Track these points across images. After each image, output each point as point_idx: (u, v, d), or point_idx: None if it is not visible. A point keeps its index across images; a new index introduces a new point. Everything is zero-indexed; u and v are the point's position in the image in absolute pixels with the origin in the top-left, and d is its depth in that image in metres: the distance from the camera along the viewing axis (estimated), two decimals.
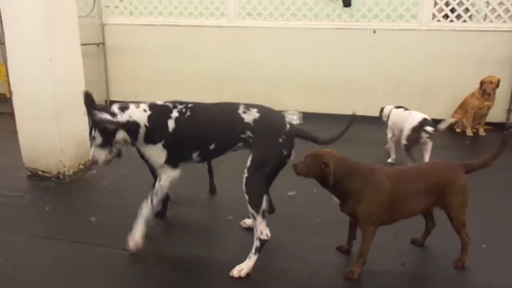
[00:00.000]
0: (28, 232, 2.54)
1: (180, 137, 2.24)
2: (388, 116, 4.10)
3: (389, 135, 4.04)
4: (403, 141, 3.59)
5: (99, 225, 2.66)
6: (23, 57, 3.19)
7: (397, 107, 4.08)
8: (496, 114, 5.19)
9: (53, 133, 3.30)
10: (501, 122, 5.30)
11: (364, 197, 2.08)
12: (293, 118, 5.51)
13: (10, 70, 3.30)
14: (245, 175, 2.10)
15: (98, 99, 6.23)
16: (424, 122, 3.48)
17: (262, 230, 2.11)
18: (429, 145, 3.51)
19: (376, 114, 5.57)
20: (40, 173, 3.38)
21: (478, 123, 5.10)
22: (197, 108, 2.30)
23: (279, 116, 2.32)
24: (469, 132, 5.03)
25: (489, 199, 3.11)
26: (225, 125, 2.25)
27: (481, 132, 5.08)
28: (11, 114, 3.55)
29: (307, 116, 5.50)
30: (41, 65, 3.16)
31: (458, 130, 5.21)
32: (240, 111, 2.23)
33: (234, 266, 2.14)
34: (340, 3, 5.51)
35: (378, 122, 5.42)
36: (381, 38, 5.43)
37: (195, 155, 2.31)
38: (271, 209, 2.55)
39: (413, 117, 3.59)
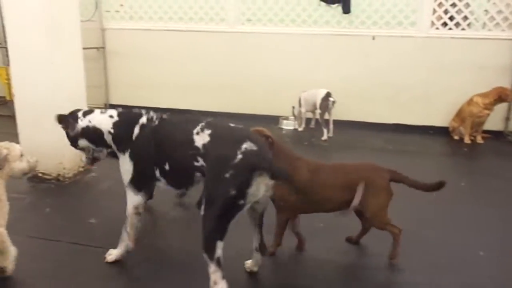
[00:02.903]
0: (29, 233, 2.55)
1: (141, 147, 2.07)
2: (300, 101, 5.30)
3: (303, 110, 5.31)
4: (318, 109, 4.99)
5: (99, 227, 2.67)
6: (25, 61, 3.21)
7: (303, 91, 5.30)
8: (494, 122, 5.22)
9: (54, 136, 3.28)
10: (499, 130, 5.34)
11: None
12: (291, 124, 5.54)
13: (13, 74, 3.31)
14: (202, 212, 1.82)
15: (98, 103, 6.35)
16: (328, 94, 4.96)
17: (217, 280, 1.80)
18: (332, 110, 4.99)
19: (376, 120, 5.64)
20: (40, 175, 3.39)
21: (476, 130, 5.12)
22: (166, 120, 2.09)
23: (232, 141, 1.78)
24: (467, 140, 5.05)
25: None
26: (177, 144, 1.95)
27: (479, 140, 5.11)
28: (11, 117, 3.55)
29: (307, 122, 5.51)
30: (42, 69, 3.18)
31: (455, 137, 5.24)
32: (195, 130, 1.88)
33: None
34: (340, 9, 5.55)
35: (378, 128, 5.49)
36: (380, 45, 5.48)
37: (158, 174, 2.07)
38: (261, 249, 2.14)
39: (321, 91, 5.03)
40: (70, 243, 2.45)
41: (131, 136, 2.10)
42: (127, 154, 2.11)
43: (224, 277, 1.81)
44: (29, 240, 2.48)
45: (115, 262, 2.26)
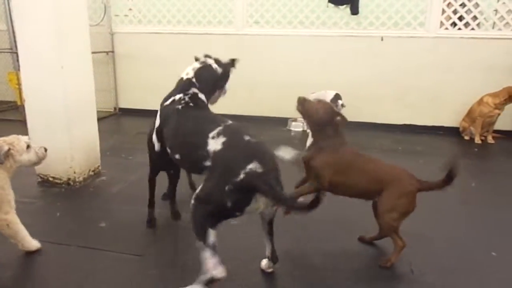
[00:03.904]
0: (39, 237, 2.55)
1: (162, 121, 2.32)
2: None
3: None
4: None
5: (109, 231, 2.68)
6: (35, 65, 3.23)
7: (312, 92, 5.12)
8: (505, 121, 5.17)
9: (64, 140, 3.33)
10: (509, 130, 5.27)
11: (322, 152, 2.31)
12: (299, 126, 5.53)
13: (23, 78, 3.35)
14: (192, 201, 1.86)
15: (108, 106, 6.38)
16: (337, 95, 4.97)
17: (209, 267, 1.80)
18: (341, 112, 4.85)
19: (385, 121, 5.61)
20: (50, 179, 3.42)
21: (487, 130, 5.08)
22: (189, 111, 2.21)
23: (240, 158, 1.78)
24: (477, 140, 5.01)
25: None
26: (191, 142, 2.01)
27: (490, 139, 5.06)
28: (22, 122, 3.58)
29: None
30: (53, 73, 3.20)
31: (466, 137, 5.19)
32: (211, 134, 1.93)
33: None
34: (348, 11, 5.55)
35: (387, 129, 5.46)
36: (388, 46, 5.45)
37: (171, 154, 2.20)
38: (273, 259, 2.16)
39: (330, 93, 5.02)
40: (81, 247, 2.47)
41: (163, 103, 2.36)
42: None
43: (221, 263, 1.81)
44: (39, 244, 2.49)
45: (127, 267, 2.27)
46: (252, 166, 1.74)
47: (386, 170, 2.30)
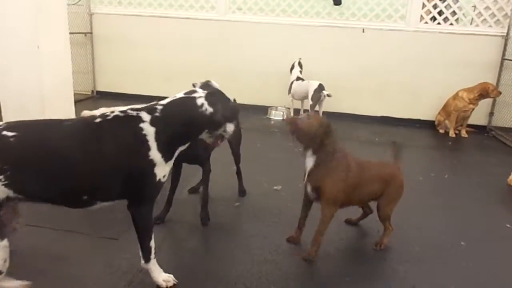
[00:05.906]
0: None
1: None
2: (290, 88, 5.37)
3: (291, 98, 5.44)
4: (310, 101, 5.01)
5: (84, 214, 2.63)
6: (10, 45, 3.14)
7: (297, 79, 5.33)
8: (478, 116, 5.32)
9: None
10: (482, 125, 5.44)
11: (333, 173, 2.22)
12: (280, 114, 5.56)
13: None
14: None
15: (85, 89, 6.23)
16: (321, 86, 4.98)
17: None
18: (324, 101, 5.03)
19: (363, 113, 5.69)
20: None
21: (461, 124, 5.21)
22: None
23: None
24: (451, 133, 5.14)
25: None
26: None
27: (463, 133, 5.20)
28: None
29: (296, 113, 5.53)
30: (28, 53, 3.12)
31: (441, 131, 5.32)
32: None
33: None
34: (331, 1, 5.56)
35: (365, 120, 5.54)
36: (369, 38, 5.50)
37: None
38: None
39: (314, 83, 5.04)
40: (55, 230, 2.43)
41: None
42: None
43: None
44: None
45: (102, 250, 2.25)
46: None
47: (386, 171, 2.42)
